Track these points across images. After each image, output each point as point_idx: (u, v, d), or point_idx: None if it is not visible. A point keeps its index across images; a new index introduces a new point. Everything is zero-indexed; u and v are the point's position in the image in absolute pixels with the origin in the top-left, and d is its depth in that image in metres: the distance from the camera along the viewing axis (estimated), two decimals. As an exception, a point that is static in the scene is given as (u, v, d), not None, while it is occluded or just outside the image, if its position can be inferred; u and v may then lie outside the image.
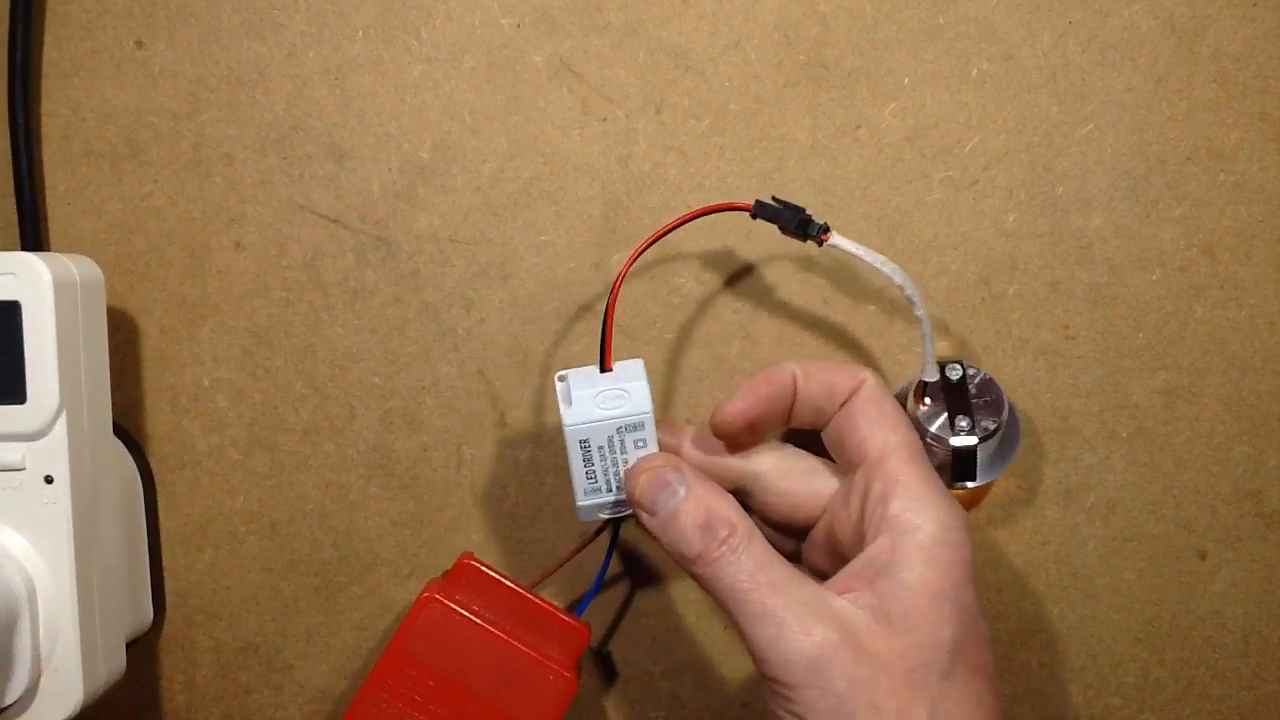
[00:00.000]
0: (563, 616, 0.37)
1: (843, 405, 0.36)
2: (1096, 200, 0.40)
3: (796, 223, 0.36)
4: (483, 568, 0.37)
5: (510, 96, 0.40)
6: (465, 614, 0.37)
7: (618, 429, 0.34)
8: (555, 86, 0.40)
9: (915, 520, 0.33)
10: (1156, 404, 0.41)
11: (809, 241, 0.36)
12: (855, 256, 0.36)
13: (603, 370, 0.35)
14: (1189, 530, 0.42)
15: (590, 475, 0.35)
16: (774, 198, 0.36)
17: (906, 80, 0.40)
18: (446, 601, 0.37)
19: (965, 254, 0.41)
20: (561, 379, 0.34)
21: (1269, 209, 0.40)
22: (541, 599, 0.37)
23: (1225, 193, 0.40)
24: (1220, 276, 0.41)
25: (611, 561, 0.40)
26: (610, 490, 0.35)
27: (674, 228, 0.36)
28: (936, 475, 0.34)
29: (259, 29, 0.40)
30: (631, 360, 0.35)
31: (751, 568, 0.32)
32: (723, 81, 0.40)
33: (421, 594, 0.37)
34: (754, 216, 0.36)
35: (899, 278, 0.36)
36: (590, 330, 0.41)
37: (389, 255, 0.41)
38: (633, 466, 0.35)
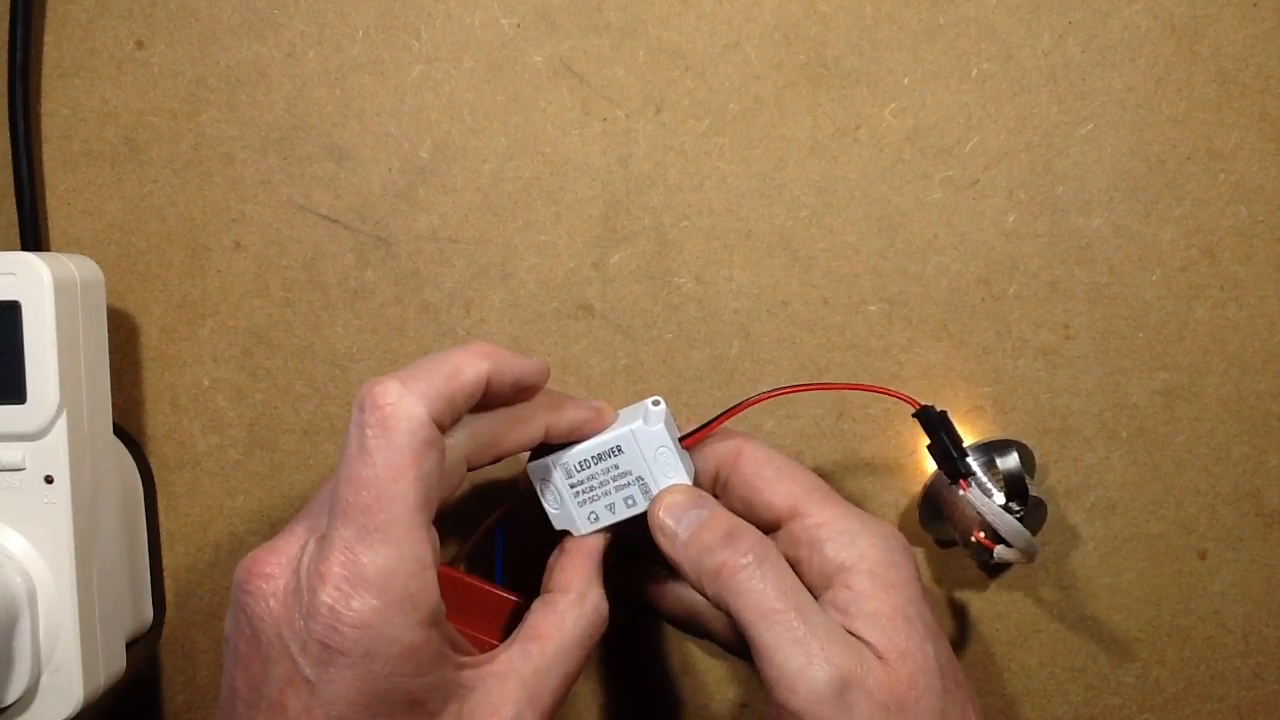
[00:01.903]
0: (495, 590, 0.37)
1: (731, 473, 0.35)
2: (1096, 200, 0.40)
3: (941, 452, 0.35)
4: None
5: (510, 96, 0.40)
6: None
7: (639, 477, 0.34)
8: (555, 86, 0.40)
9: (855, 552, 0.32)
10: (1156, 404, 0.41)
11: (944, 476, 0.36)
12: (979, 510, 0.36)
13: (682, 439, 0.35)
14: (1189, 530, 0.42)
15: (582, 465, 0.35)
16: (941, 412, 0.36)
17: (906, 80, 0.40)
18: None
19: (965, 254, 0.41)
20: (658, 404, 0.35)
21: (1269, 209, 0.40)
22: (471, 576, 0.37)
23: (1225, 193, 0.40)
24: (1220, 276, 0.41)
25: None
26: (570, 487, 0.35)
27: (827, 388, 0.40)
28: (853, 506, 0.34)
29: (259, 29, 0.40)
30: (690, 460, 0.36)
31: (781, 587, 0.31)
32: (723, 81, 0.40)
33: None
34: (914, 416, 0.36)
35: (1022, 542, 0.36)
36: (590, 330, 0.41)
37: (389, 255, 0.41)
38: (659, 493, 0.34)
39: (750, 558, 0.32)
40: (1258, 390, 0.41)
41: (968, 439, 0.41)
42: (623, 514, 0.35)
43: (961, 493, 0.35)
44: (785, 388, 0.37)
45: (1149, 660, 0.42)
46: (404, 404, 0.29)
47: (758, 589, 0.31)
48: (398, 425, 0.29)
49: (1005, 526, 0.36)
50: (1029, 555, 0.37)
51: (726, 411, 0.35)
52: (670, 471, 0.34)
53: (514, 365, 0.32)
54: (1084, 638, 0.42)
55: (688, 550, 0.33)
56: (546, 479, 0.35)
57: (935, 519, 0.41)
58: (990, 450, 0.40)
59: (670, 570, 0.40)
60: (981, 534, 0.37)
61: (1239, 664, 0.42)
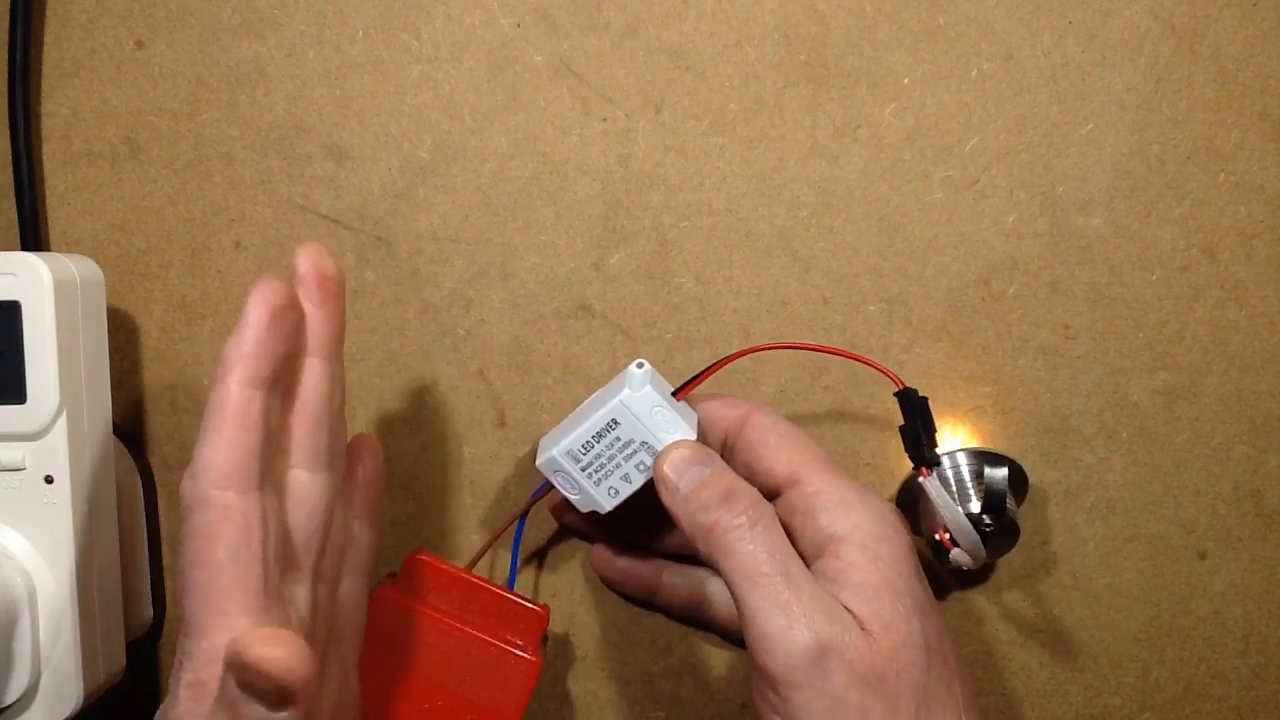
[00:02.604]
0: (518, 600, 0.37)
1: (737, 438, 0.36)
2: (1096, 200, 0.40)
3: (912, 437, 0.35)
4: (433, 561, 0.37)
5: (510, 96, 0.40)
6: (419, 608, 0.36)
7: (643, 442, 0.35)
8: (555, 86, 0.40)
9: (848, 523, 0.33)
10: (1156, 404, 0.41)
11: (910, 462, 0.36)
12: (936, 505, 0.36)
13: (675, 393, 0.35)
14: (1189, 530, 0.42)
15: (586, 447, 0.35)
16: (923, 398, 0.36)
17: (906, 80, 0.40)
18: (397, 598, 0.37)
19: (965, 254, 0.41)
20: (641, 366, 0.35)
21: (1269, 209, 0.40)
22: (495, 585, 0.37)
23: (1225, 193, 0.40)
24: (1220, 276, 0.41)
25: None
26: (582, 470, 0.35)
27: (817, 349, 0.40)
28: (853, 479, 0.34)
29: (259, 29, 0.40)
30: (691, 410, 0.36)
31: (770, 550, 0.32)
32: (723, 81, 0.40)
33: (373, 593, 0.37)
34: (895, 395, 0.36)
35: (967, 541, 0.36)
36: (590, 330, 0.41)
37: (389, 255, 0.41)
38: (664, 448, 0.35)
39: (743, 519, 0.32)
40: (1258, 390, 0.41)
41: (969, 440, 0.41)
42: (639, 481, 0.35)
43: (921, 480, 0.35)
44: (778, 343, 0.37)
45: (1149, 660, 0.42)
46: (197, 498, 0.28)
47: (747, 550, 0.32)
48: (200, 533, 0.27)
49: (954, 521, 0.36)
50: (974, 557, 0.37)
51: (718, 362, 0.36)
52: (671, 428, 0.35)
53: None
54: (1084, 638, 0.42)
55: (685, 505, 0.33)
56: (558, 469, 0.35)
57: (910, 511, 0.41)
58: (983, 459, 0.40)
59: (669, 552, 0.40)
60: (946, 534, 0.37)
61: (1239, 664, 0.42)
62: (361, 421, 0.41)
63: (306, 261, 0.31)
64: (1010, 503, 0.39)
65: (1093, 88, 0.40)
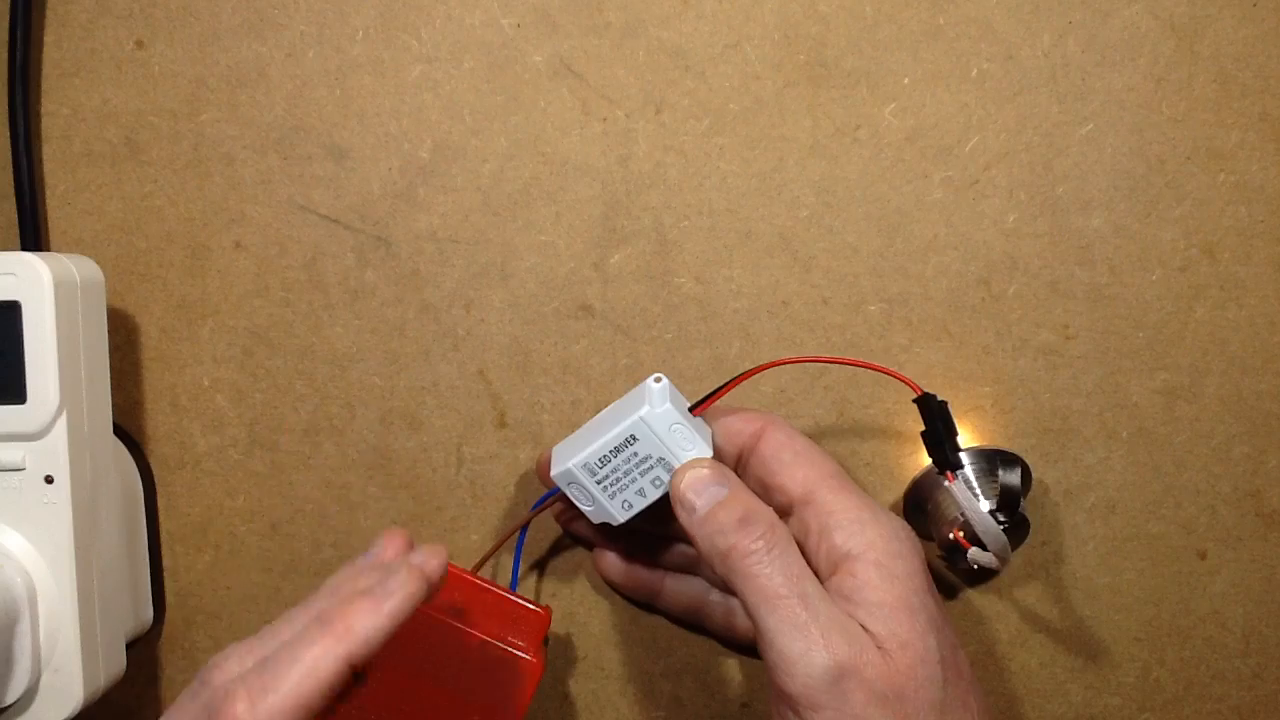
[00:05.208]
0: (519, 601, 0.37)
1: (751, 453, 0.36)
2: (1096, 200, 0.40)
3: (935, 442, 0.35)
4: None
5: (510, 96, 0.40)
6: (419, 608, 0.36)
7: (660, 458, 0.35)
8: (555, 86, 0.40)
9: (863, 541, 0.33)
10: (1156, 404, 0.41)
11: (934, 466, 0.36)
12: (960, 505, 0.36)
13: (692, 409, 0.35)
14: (1189, 530, 0.42)
15: (603, 461, 0.35)
16: (942, 402, 0.36)
17: (906, 80, 0.40)
18: None
19: (965, 254, 0.41)
20: (659, 380, 0.35)
21: (1269, 209, 0.40)
22: (498, 586, 0.37)
23: (1225, 193, 0.40)
24: (1220, 276, 0.41)
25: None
26: (598, 483, 0.35)
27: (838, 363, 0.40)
28: (867, 495, 0.34)
29: (259, 29, 0.40)
30: (706, 424, 0.36)
31: (787, 574, 0.32)
32: (723, 81, 0.40)
33: None
34: (914, 401, 0.36)
35: (997, 545, 0.36)
36: (590, 330, 0.41)
37: (389, 255, 0.41)
38: (682, 465, 0.35)
39: (761, 543, 0.32)
40: (1258, 390, 0.41)
41: (970, 440, 0.41)
42: (654, 495, 0.35)
43: (947, 484, 0.35)
44: (792, 358, 0.37)
45: (1149, 660, 0.42)
46: None
47: (764, 574, 0.32)
48: None
49: (983, 526, 0.36)
50: (1001, 561, 0.37)
51: (735, 378, 0.36)
52: (688, 445, 0.35)
53: (376, 635, 0.29)
54: (1084, 638, 0.42)
55: (703, 527, 0.33)
56: (572, 482, 0.35)
57: (918, 513, 0.41)
58: (995, 459, 0.40)
59: (672, 565, 0.40)
60: (960, 533, 0.37)
61: (1239, 664, 0.42)
62: (362, 421, 0.41)
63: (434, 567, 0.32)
64: (1021, 502, 0.39)
65: (1093, 88, 0.40)
